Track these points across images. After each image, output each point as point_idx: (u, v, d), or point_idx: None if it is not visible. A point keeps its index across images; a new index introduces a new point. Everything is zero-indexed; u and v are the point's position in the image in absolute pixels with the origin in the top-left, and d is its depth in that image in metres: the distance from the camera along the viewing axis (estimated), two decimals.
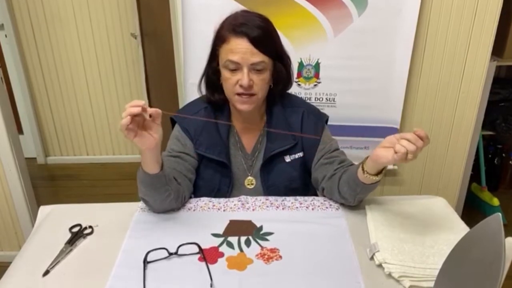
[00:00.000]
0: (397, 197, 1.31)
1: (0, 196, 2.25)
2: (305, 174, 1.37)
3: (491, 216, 0.82)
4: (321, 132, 1.35)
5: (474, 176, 2.61)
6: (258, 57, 1.18)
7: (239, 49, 1.18)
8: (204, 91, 1.35)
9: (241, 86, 1.20)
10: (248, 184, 1.37)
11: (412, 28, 1.79)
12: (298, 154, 1.35)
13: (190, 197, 1.33)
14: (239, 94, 1.22)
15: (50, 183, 3.18)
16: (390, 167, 2.07)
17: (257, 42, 1.18)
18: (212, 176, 1.34)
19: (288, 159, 1.34)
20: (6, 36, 3.00)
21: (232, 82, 1.22)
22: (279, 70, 1.27)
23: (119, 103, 3.23)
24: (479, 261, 0.82)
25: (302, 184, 1.37)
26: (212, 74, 1.29)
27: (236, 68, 1.20)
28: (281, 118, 1.33)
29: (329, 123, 1.94)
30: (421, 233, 1.10)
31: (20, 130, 3.23)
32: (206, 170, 1.34)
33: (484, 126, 2.40)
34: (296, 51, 1.84)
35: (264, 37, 1.20)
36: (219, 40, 1.24)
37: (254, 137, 1.37)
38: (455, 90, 1.95)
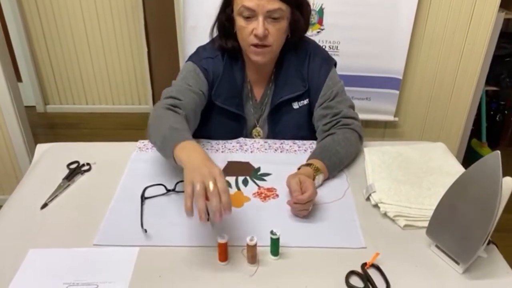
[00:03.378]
0: (396, 142, 1.30)
1: (0, 143, 2.25)
2: (312, 121, 1.33)
3: (491, 154, 0.81)
4: (324, 78, 1.28)
5: (475, 132, 2.60)
6: (275, 4, 1.11)
7: None
8: (214, 35, 1.28)
9: (256, 36, 1.14)
10: (256, 135, 1.35)
11: None
12: (306, 100, 1.30)
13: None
14: (253, 45, 1.16)
15: (50, 131, 3.17)
16: (390, 119, 2.06)
17: None
18: (225, 127, 1.30)
19: (296, 105, 1.30)
20: None
21: (247, 31, 1.15)
22: (297, 19, 1.20)
23: (118, 52, 3.18)
24: (476, 198, 0.82)
25: (309, 131, 1.33)
26: (226, 21, 1.22)
27: (251, 15, 1.13)
28: (293, 64, 1.27)
29: None
30: (419, 176, 1.10)
31: (18, 78, 3.20)
32: (219, 120, 1.29)
33: (488, 81, 2.37)
34: None
35: None
36: None
37: (264, 86, 1.32)
38: (460, 40, 1.91)
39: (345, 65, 1.92)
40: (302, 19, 1.22)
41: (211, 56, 1.27)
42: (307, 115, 1.32)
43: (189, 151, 0.94)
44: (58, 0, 2.99)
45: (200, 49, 1.32)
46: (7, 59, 2.14)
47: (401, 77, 1.93)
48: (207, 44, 1.32)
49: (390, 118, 2.05)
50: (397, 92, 1.97)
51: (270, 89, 1.32)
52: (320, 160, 1.12)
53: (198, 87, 1.23)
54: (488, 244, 0.91)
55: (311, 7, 1.79)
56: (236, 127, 1.32)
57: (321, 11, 1.81)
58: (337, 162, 1.16)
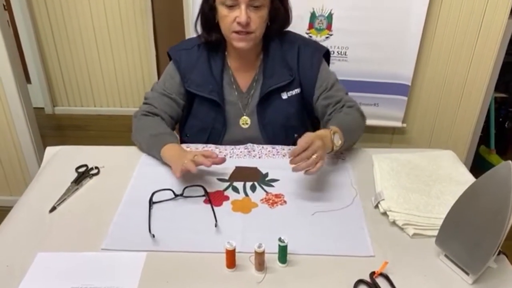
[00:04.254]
0: (405, 149, 1.30)
1: (9, 144, 2.27)
2: (303, 111, 1.37)
3: (502, 164, 0.81)
4: (318, 66, 1.33)
5: (483, 139, 2.58)
6: None
7: None
8: (200, 31, 1.33)
9: (238, 23, 1.19)
10: (243, 124, 1.36)
11: None
12: (296, 90, 1.34)
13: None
14: (236, 32, 1.21)
15: (58, 132, 3.19)
16: (398, 125, 2.05)
17: None
18: (206, 114, 1.34)
19: (285, 96, 1.33)
20: None
21: (229, 19, 1.20)
22: (276, 7, 1.26)
23: (126, 55, 3.19)
24: (487, 208, 0.81)
25: (299, 121, 1.37)
26: (209, 11, 1.26)
27: (233, 4, 1.19)
28: (278, 55, 1.31)
29: (339, 77, 1.91)
30: (428, 184, 1.09)
31: (27, 80, 3.22)
32: (200, 109, 1.35)
33: (497, 88, 2.35)
34: (308, 0, 1.78)
35: None
36: None
37: (250, 76, 1.35)
38: (470, 47, 1.89)
39: (353, 70, 1.91)
40: (282, 7, 1.27)
41: (187, 47, 1.34)
42: (298, 104, 1.35)
43: (169, 151, 1.16)
44: (67, 3, 3.02)
45: (183, 41, 1.41)
46: (16, 61, 2.16)
47: (409, 83, 1.92)
48: (193, 38, 1.37)
49: (398, 124, 2.04)
50: (406, 98, 1.96)
51: (257, 79, 1.35)
52: (335, 125, 1.16)
53: (173, 91, 1.34)
54: (498, 254, 0.90)
55: (320, 13, 1.81)
56: (216, 114, 1.34)
57: (330, 17, 1.81)
58: (349, 129, 1.20)
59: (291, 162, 1.03)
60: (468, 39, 1.87)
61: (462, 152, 2.16)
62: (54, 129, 3.23)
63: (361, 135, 1.29)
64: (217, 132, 1.35)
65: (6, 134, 2.24)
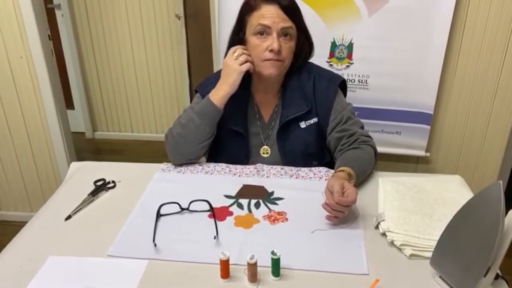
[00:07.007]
0: (413, 174, 1.30)
1: (48, 165, 2.42)
2: (321, 139, 1.39)
3: (493, 183, 0.81)
4: (333, 98, 1.35)
5: None
6: (288, 22, 1.26)
7: (271, 14, 1.24)
8: None
9: (271, 51, 1.25)
10: (263, 153, 1.40)
11: (450, 9, 1.74)
12: (314, 119, 1.36)
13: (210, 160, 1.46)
14: (267, 60, 1.27)
15: (96, 156, 3.35)
16: (422, 154, 2.03)
17: (287, 9, 1.26)
18: (230, 145, 1.39)
19: (303, 125, 1.36)
20: (62, 15, 3.19)
21: (261, 48, 1.26)
22: (302, 42, 1.33)
23: (163, 84, 3.36)
24: (478, 228, 0.81)
25: (318, 149, 1.39)
26: (238, 44, 1.33)
27: (265, 33, 1.25)
28: (296, 86, 1.36)
29: (360, 105, 1.95)
30: (432, 207, 1.09)
31: (72, 106, 3.44)
32: (224, 139, 1.39)
33: None
34: (330, 30, 1.84)
35: (293, 6, 1.28)
36: (248, 8, 1.29)
37: (271, 108, 1.40)
38: (494, 77, 1.87)
39: (374, 98, 1.94)
40: (307, 42, 1.34)
41: (213, 82, 1.37)
42: (316, 133, 1.38)
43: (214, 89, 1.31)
44: (111, 36, 3.24)
45: (207, 77, 1.45)
46: (58, 89, 2.32)
47: (431, 112, 1.91)
48: (216, 72, 1.43)
49: (422, 153, 2.02)
50: (428, 127, 1.95)
51: (277, 111, 1.39)
52: (351, 168, 1.19)
53: None
54: (496, 278, 0.88)
55: (341, 42, 1.86)
56: (240, 145, 1.39)
57: (350, 46, 1.85)
58: (362, 172, 1.23)
59: (334, 208, 1.04)
60: (491, 68, 1.86)
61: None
62: (92, 152, 3.40)
63: (370, 172, 1.30)
64: (240, 162, 1.39)
65: (45, 156, 2.40)
